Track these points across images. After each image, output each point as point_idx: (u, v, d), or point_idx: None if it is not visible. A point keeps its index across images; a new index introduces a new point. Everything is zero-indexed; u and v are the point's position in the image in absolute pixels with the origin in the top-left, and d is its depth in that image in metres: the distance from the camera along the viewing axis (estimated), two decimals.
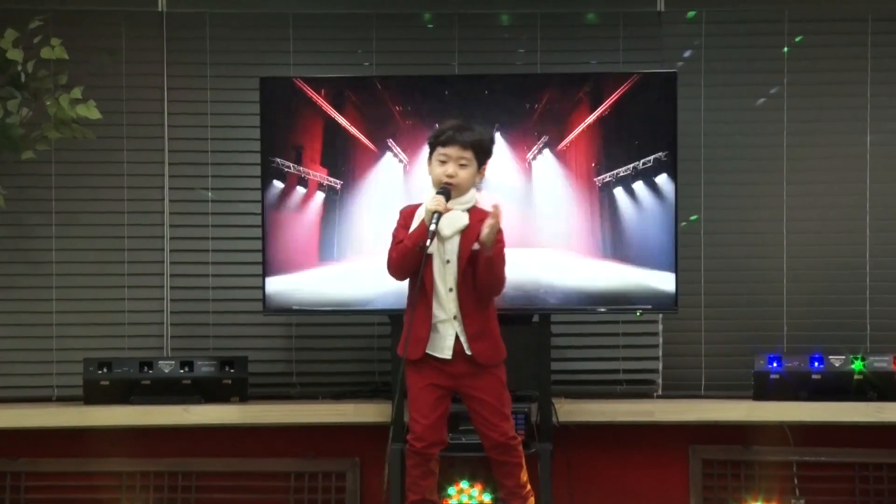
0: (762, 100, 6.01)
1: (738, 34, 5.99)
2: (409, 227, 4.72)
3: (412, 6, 5.97)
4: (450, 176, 4.61)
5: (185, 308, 5.97)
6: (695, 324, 5.96)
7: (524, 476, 4.82)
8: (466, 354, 4.68)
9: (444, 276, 4.65)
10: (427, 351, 4.67)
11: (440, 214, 4.55)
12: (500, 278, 4.72)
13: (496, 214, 4.56)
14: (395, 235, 4.76)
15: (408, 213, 4.75)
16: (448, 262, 4.62)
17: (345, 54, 5.95)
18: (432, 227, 4.52)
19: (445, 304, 4.66)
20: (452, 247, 4.61)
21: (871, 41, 5.94)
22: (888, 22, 5.93)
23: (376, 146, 5.42)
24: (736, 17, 5.99)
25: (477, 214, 4.69)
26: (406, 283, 4.85)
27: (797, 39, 6.02)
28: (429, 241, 4.54)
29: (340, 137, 5.44)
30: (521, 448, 4.81)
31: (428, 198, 4.69)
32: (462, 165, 4.62)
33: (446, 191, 4.64)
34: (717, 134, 5.96)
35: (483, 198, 4.90)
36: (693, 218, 5.94)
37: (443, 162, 4.64)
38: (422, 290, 4.62)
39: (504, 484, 4.80)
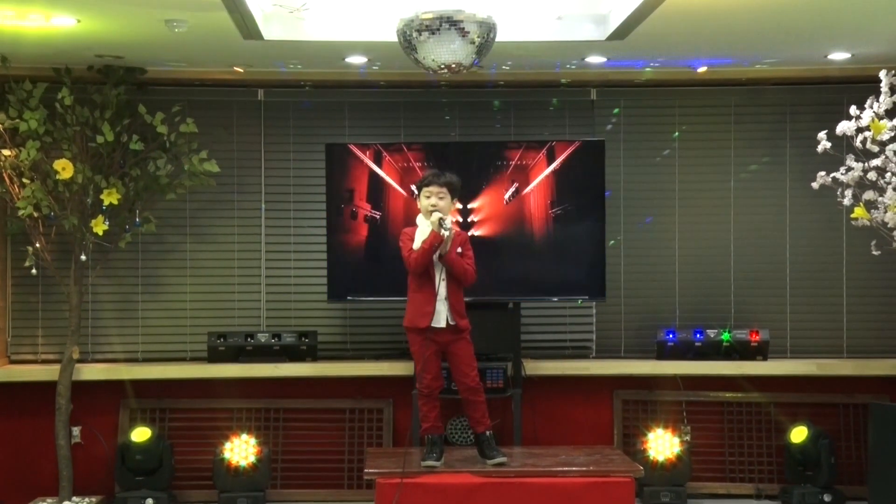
0: (662, 155, 6.85)
1: (645, 115, 6.87)
2: (412, 241, 5.40)
3: (428, 96, 6.80)
4: (433, 205, 5.40)
5: (275, 297, 6.81)
6: (617, 308, 6.84)
7: (485, 409, 5.57)
8: (450, 325, 5.46)
9: (439, 270, 5.43)
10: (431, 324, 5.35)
11: (443, 220, 5.30)
12: (461, 274, 5.40)
13: (434, 222, 5.27)
14: (403, 247, 5.45)
15: (410, 232, 5.51)
16: (441, 258, 5.40)
17: (382, 127, 6.81)
18: (444, 232, 5.30)
19: (439, 289, 5.44)
20: (442, 250, 5.39)
21: (733, 119, 6.86)
22: (745, 107, 6.84)
23: (403, 189, 6.26)
24: (643, 104, 6.85)
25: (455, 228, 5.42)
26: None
27: (676, 134, 6.83)
28: (445, 233, 5.26)
29: (379, 183, 6.27)
30: (482, 390, 5.57)
31: (423, 221, 5.39)
32: (441, 198, 5.42)
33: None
34: (632, 181, 6.84)
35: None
36: (612, 243, 6.77)
37: (427, 197, 5.43)
38: (430, 278, 5.43)
39: (471, 415, 5.61)
